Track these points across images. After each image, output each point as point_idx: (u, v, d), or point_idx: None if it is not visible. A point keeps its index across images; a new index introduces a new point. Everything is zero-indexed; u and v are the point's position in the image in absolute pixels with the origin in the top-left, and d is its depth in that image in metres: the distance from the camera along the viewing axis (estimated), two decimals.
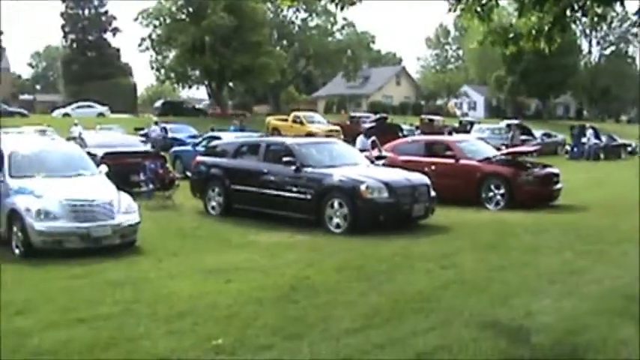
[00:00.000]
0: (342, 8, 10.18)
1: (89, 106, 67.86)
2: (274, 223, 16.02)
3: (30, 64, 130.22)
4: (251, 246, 13.87)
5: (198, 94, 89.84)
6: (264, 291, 9.92)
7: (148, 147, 28.80)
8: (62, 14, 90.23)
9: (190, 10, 68.40)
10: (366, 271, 11.24)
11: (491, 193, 19.08)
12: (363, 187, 15.06)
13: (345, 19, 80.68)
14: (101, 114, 65.11)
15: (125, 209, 13.53)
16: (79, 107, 67.40)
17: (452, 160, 20.19)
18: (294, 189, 16.02)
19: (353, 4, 10.16)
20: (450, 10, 10.15)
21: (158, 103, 74.10)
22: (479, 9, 9.81)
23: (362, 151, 20.78)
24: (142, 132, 42.04)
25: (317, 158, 16.57)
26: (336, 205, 15.19)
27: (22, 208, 12.91)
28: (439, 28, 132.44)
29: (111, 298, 9.76)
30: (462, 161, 20.04)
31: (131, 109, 76.29)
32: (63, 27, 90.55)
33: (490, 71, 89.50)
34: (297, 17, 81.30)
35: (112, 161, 17.54)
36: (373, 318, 8.47)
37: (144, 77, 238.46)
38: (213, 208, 18.03)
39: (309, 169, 16.01)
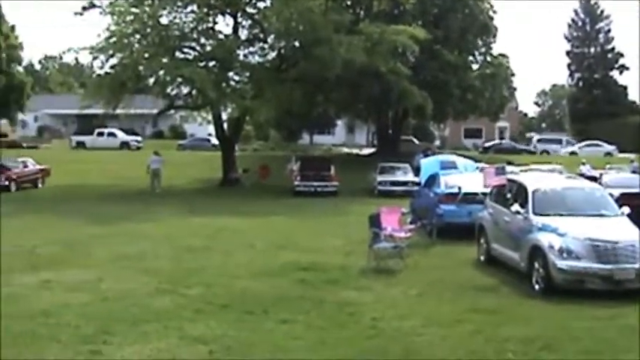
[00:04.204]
0: None
1: (596, 145, 67.39)
2: None
3: (536, 103, 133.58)
4: None
5: None
6: None
7: None
8: (568, 53, 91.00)
9: None
10: None
11: None
12: None
13: None
14: (608, 153, 64.14)
15: None
16: (586, 146, 67.36)
17: None
18: None
19: None
20: None
21: None
22: None
23: None
24: None
25: None
26: None
27: (545, 245, 13.20)
28: None
29: (637, 345, 9.57)
30: None
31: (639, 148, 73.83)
32: (569, 65, 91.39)
33: None
34: None
35: (629, 202, 17.05)
36: None
37: None
38: None
39: None
